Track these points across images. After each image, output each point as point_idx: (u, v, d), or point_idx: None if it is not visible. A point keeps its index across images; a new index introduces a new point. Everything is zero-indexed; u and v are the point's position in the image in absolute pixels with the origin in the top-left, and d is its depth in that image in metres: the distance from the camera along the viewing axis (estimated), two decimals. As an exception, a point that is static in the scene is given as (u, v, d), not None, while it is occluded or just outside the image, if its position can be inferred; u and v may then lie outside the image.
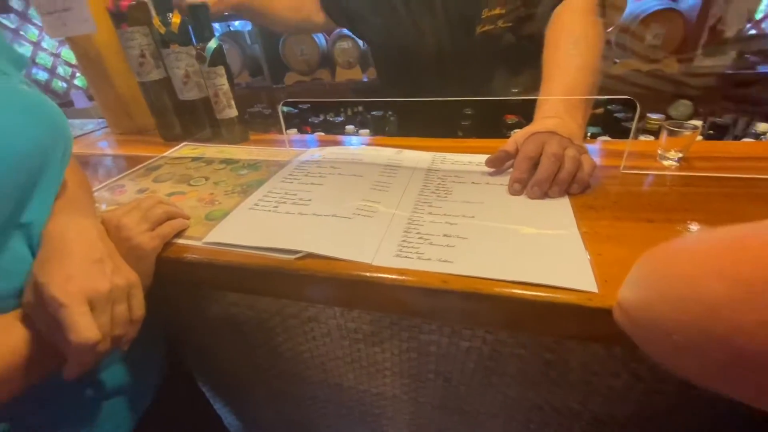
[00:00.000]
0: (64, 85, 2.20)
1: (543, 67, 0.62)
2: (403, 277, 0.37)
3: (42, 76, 2.12)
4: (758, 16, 1.57)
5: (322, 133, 0.93)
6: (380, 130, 0.98)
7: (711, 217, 0.41)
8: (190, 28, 0.65)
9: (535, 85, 0.62)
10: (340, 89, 1.77)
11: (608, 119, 0.80)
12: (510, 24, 0.73)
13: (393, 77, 0.93)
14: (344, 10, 0.86)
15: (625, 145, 0.54)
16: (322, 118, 1.05)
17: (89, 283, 0.34)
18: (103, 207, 0.54)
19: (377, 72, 1.01)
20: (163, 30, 0.64)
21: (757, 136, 0.74)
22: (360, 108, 1.54)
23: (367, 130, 0.94)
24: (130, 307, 0.37)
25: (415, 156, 0.62)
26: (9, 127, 0.34)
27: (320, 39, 1.77)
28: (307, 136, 0.82)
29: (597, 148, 0.61)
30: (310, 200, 0.51)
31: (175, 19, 0.64)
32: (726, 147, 0.58)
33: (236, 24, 2.01)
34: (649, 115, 0.73)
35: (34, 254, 0.36)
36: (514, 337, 0.44)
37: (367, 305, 0.44)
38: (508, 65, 0.79)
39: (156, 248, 0.43)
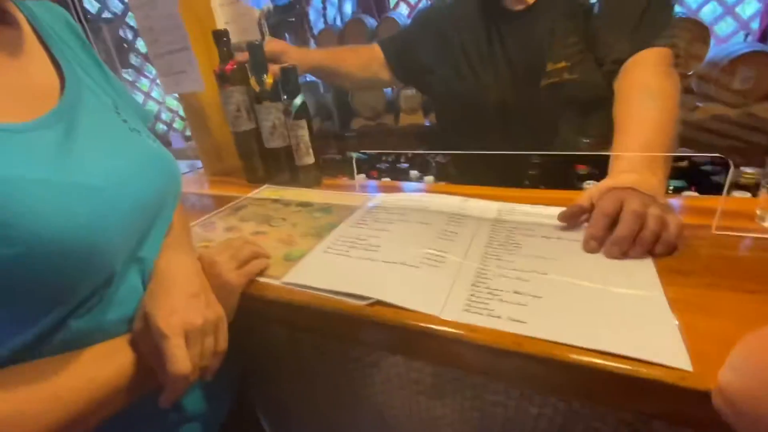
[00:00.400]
0: (165, 128, 2.55)
1: (616, 121, 0.60)
2: (473, 334, 0.37)
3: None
4: None
5: (388, 179, 0.97)
6: (444, 175, 1.00)
7: (831, 293, 0.36)
8: (280, 86, 0.74)
9: (603, 134, 0.61)
10: (403, 133, 1.85)
11: (694, 172, 0.74)
12: (575, 77, 0.73)
13: (455, 126, 0.96)
14: (408, 68, 0.92)
15: (718, 201, 0.50)
16: (388, 163, 1.10)
17: (187, 317, 0.38)
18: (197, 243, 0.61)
19: (438, 120, 1.05)
20: (257, 89, 0.74)
21: None
22: (423, 149, 1.59)
23: (431, 177, 0.97)
24: (216, 340, 0.41)
25: (482, 205, 0.63)
26: (140, 178, 0.41)
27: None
28: (374, 182, 0.87)
29: (682, 205, 0.57)
30: (378, 246, 0.53)
31: (269, 79, 0.73)
32: (844, 209, 0.51)
33: (310, 76, 2.22)
34: (743, 168, 0.66)
35: (144, 286, 0.42)
36: (589, 407, 0.41)
37: (431, 358, 0.44)
38: (576, 116, 0.79)
39: (242, 284, 0.47)
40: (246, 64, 0.77)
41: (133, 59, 2.37)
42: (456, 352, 0.39)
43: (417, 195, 0.70)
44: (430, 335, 0.39)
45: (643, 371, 0.31)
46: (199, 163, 1.03)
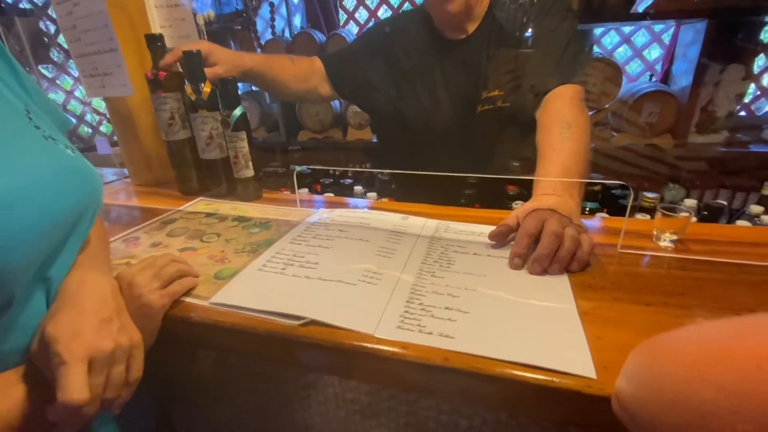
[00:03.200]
0: (90, 131, 2.33)
1: (538, 148, 0.66)
2: (405, 351, 0.38)
3: (71, 122, 2.26)
4: (747, 98, 1.68)
5: (331, 194, 0.97)
6: (387, 192, 1.02)
7: (706, 303, 0.42)
8: (218, 96, 0.72)
9: (532, 157, 0.66)
10: (350, 148, 1.86)
11: (606, 195, 0.84)
12: (508, 105, 0.80)
13: (395, 145, 0.99)
14: (350, 85, 0.93)
15: (622, 223, 0.56)
16: (332, 179, 1.10)
17: (95, 342, 0.34)
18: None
19: (378, 139, 1.07)
20: (194, 97, 0.71)
21: (751, 218, 0.77)
22: (368, 165, 1.61)
23: (375, 193, 0.98)
24: (128, 368, 0.37)
25: (420, 223, 0.65)
26: (52, 192, 0.37)
27: (334, 101, 1.90)
28: (316, 197, 0.86)
29: (596, 225, 0.63)
30: (317, 264, 0.52)
31: (206, 88, 0.71)
32: (721, 231, 0.60)
33: (257, 84, 2.17)
34: (644, 193, 0.76)
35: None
36: (515, 418, 0.43)
37: (367, 377, 0.43)
38: (508, 140, 0.85)
39: (164, 306, 0.44)
40: (181, 70, 0.74)
41: (55, 54, 2.16)
42: (390, 370, 0.39)
43: (358, 211, 0.71)
44: (365, 354, 0.39)
45: (556, 381, 0.34)
46: (127, 172, 0.95)
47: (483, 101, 0.80)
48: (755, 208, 0.78)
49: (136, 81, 0.78)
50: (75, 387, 0.32)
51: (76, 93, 2.25)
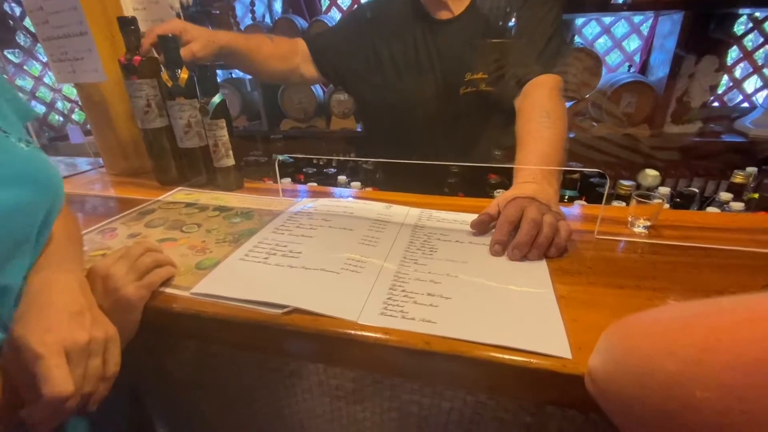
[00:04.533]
0: (61, 119, 2.24)
1: (518, 135, 0.67)
2: (387, 337, 0.38)
3: (39, 109, 2.16)
4: (720, 90, 1.73)
5: (315, 184, 0.96)
6: (371, 181, 1.02)
7: (676, 286, 0.44)
8: (196, 82, 0.70)
9: (513, 145, 0.67)
10: (334, 137, 1.85)
11: (584, 183, 0.86)
12: (491, 89, 0.80)
13: (380, 132, 0.98)
14: (335, 65, 0.91)
15: (598, 210, 0.58)
16: (316, 168, 1.09)
17: (68, 334, 0.33)
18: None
19: (363, 126, 1.06)
20: (170, 84, 0.68)
21: (721, 204, 0.80)
22: (353, 155, 1.60)
23: (359, 182, 0.98)
24: (104, 362, 0.36)
25: (403, 211, 0.65)
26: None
27: (317, 89, 1.87)
28: (300, 186, 0.85)
29: (574, 212, 0.65)
30: (300, 253, 0.52)
31: (183, 74, 0.69)
32: (691, 217, 0.62)
33: (238, 71, 2.11)
34: (621, 181, 0.78)
35: (4, 321, 0.36)
36: (494, 399, 0.44)
37: (351, 363, 0.44)
38: (492, 128, 0.85)
39: (143, 298, 0.43)
40: (157, 56, 0.71)
41: (21, 38, 2.05)
42: (373, 356, 0.40)
43: (343, 201, 0.70)
44: (348, 340, 0.39)
45: (534, 362, 0.35)
46: (102, 161, 0.92)
47: (466, 83, 0.81)
48: (725, 195, 0.81)
49: (109, 66, 0.75)
50: (59, 379, 0.31)
51: (45, 79, 2.15)
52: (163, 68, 0.70)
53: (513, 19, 0.79)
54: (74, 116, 2.23)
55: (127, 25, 0.69)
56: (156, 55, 0.72)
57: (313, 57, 0.91)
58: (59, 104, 2.22)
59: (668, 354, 0.21)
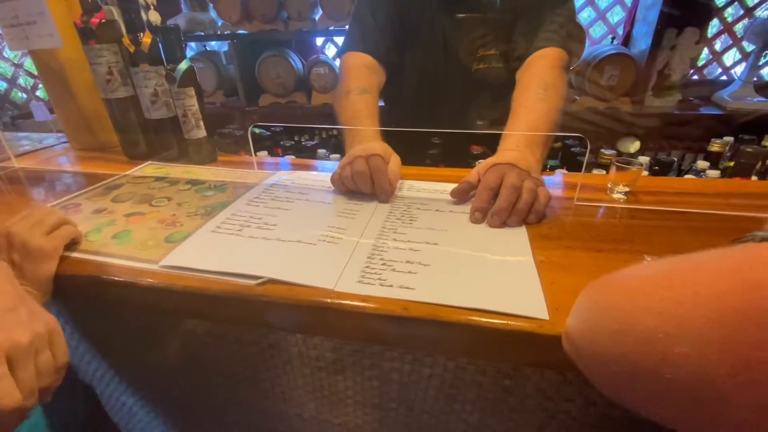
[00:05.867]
0: (24, 96, 2.11)
1: (512, 105, 0.66)
2: (365, 304, 0.37)
3: (0, 86, 2.03)
4: (700, 63, 1.74)
5: (293, 157, 0.93)
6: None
7: (653, 248, 0.44)
8: (161, 48, 0.65)
9: (503, 119, 0.66)
10: (315, 113, 1.80)
11: (566, 153, 0.86)
12: (501, 65, 0.77)
13: (397, 108, 0.92)
14: (390, 53, 0.80)
15: (578, 178, 0.58)
16: (294, 141, 1.05)
17: (7, 337, 0.31)
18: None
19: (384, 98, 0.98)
20: (132, 49, 0.64)
21: (698, 172, 0.81)
22: (335, 132, 1.56)
23: (338, 155, 0.95)
24: (54, 354, 0.35)
25: (383, 182, 0.63)
26: None
27: (297, 63, 1.80)
28: (277, 159, 0.82)
29: (555, 180, 0.65)
30: (275, 225, 0.50)
31: (146, 39, 0.64)
32: (669, 183, 0.63)
33: (212, 44, 2.02)
34: (602, 150, 0.78)
35: None
36: (473, 363, 0.45)
37: (329, 332, 0.43)
38: (499, 105, 0.82)
39: (57, 248, 0.41)
40: (116, 18, 0.66)
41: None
42: (352, 324, 0.39)
43: (321, 174, 0.68)
44: (325, 309, 0.38)
45: (512, 324, 0.35)
46: (66, 137, 0.87)
47: (478, 59, 0.78)
48: (702, 164, 0.82)
49: (65, 31, 0.69)
50: (2, 392, 0.29)
51: (5, 53, 2.01)
52: (124, 32, 0.65)
53: None
54: (39, 93, 2.11)
55: (82, -16, 0.64)
56: (115, 17, 0.67)
57: (380, 61, 0.80)
58: (21, 80, 2.09)
59: (645, 309, 0.21)
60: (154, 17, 0.64)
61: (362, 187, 0.56)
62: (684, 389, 0.19)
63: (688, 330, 0.19)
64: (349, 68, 0.77)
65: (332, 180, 0.59)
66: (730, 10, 1.68)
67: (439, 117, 0.87)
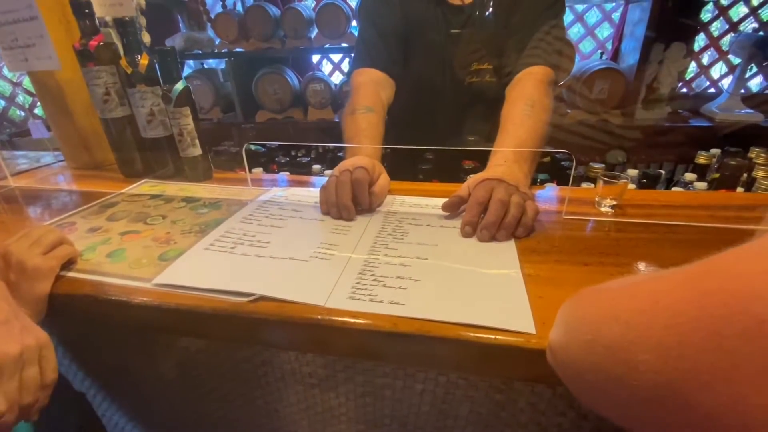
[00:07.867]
0: (22, 113, 2.13)
1: (501, 121, 0.67)
2: (354, 320, 0.38)
3: (-1, 104, 2.05)
4: (688, 76, 1.78)
5: (288, 173, 0.94)
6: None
7: (637, 261, 0.45)
8: (157, 69, 0.67)
9: (496, 133, 0.67)
10: (311, 128, 1.82)
11: (556, 167, 0.88)
12: (494, 80, 0.79)
13: (396, 120, 0.92)
14: (398, 65, 0.81)
15: (566, 192, 0.59)
16: (290, 157, 1.07)
17: None
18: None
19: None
20: (130, 70, 0.66)
21: (686, 185, 0.82)
22: (330, 147, 1.58)
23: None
24: (41, 370, 0.35)
25: (376, 198, 0.64)
26: None
27: (293, 79, 1.83)
28: (273, 176, 0.83)
29: (544, 194, 0.66)
30: (268, 242, 0.51)
31: (143, 60, 0.66)
32: (655, 195, 0.64)
33: (210, 62, 2.05)
34: (591, 163, 0.80)
35: None
36: (465, 379, 0.45)
37: (320, 348, 0.43)
38: (492, 119, 0.84)
39: (53, 268, 0.42)
40: (114, 41, 0.68)
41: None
42: (342, 340, 0.39)
43: (314, 190, 0.69)
44: (316, 326, 0.39)
45: (500, 338, 0.35)
46: (63, 155, 0.88)
47: (472, 73, 0.80)
48: (689, 176, 0.83)
49: (64, 53, 0.71)
50: None
51: (5, 71, 2.04)
52: (121, 54, 0.67)
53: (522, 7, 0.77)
54: (37, 111, 2.13)
55: (81, 8, 0.66)
56: (113, 40, 0.68)
57: (389, 74, 0.82)
58: (20, 98, 2.11)
59: (613, 318, 0.22)
60: (146, 38, 0.66)
61: (342, 197, 0.56)
62: (649, 395, 0.19)
63: (649, 338, 0.19)
64: (357, 87, 0.79)
65: (320, 200, 0.59)
66: (716, 24, 1.73)
67: (435, 129, 0.89)
